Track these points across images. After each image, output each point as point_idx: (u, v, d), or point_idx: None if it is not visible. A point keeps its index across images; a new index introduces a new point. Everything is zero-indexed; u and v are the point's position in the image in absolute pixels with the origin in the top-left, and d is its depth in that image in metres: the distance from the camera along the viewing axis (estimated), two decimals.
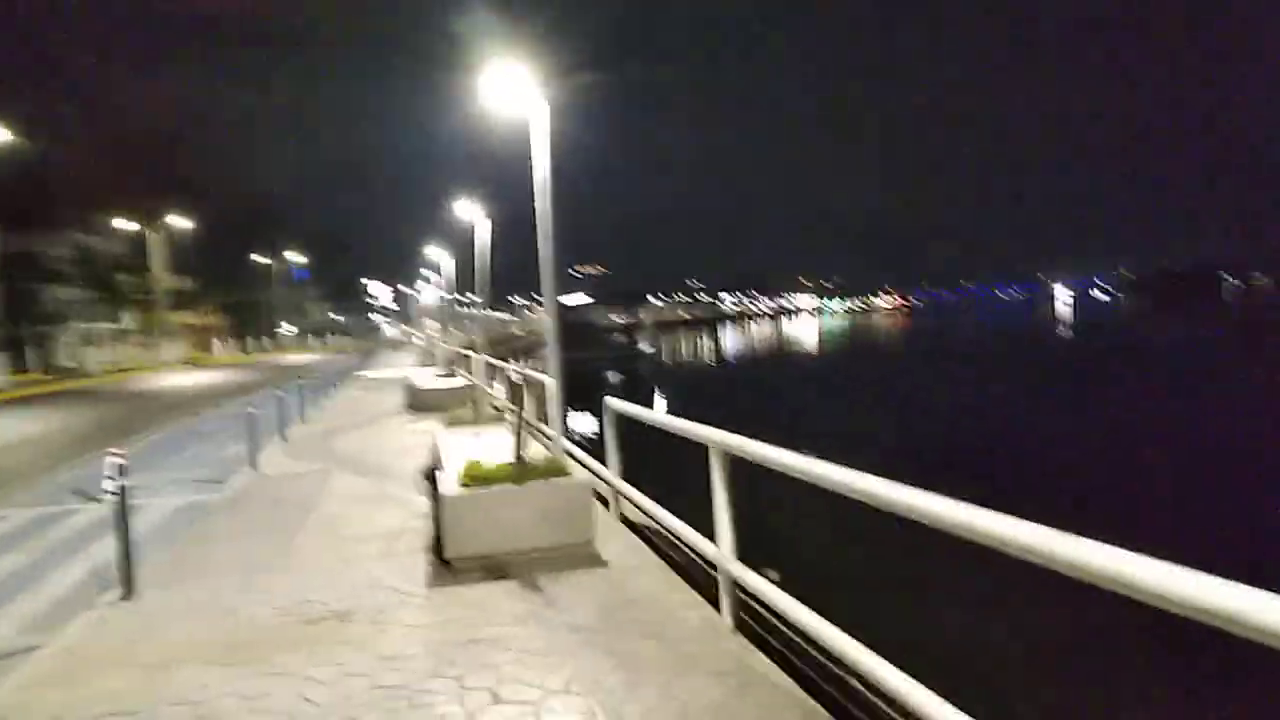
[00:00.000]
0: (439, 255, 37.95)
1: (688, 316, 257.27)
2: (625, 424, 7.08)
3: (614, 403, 6.99)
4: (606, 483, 7.31)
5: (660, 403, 41.46)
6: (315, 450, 12.58)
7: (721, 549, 4.52)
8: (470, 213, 18.46)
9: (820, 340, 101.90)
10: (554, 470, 6.31)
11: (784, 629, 4.31)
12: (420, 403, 17.43)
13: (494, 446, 7.70)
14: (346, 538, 7.03)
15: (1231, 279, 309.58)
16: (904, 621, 8.27)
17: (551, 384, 9.20)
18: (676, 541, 5.84)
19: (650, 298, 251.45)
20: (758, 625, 4.45)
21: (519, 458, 6.37)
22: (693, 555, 5.61)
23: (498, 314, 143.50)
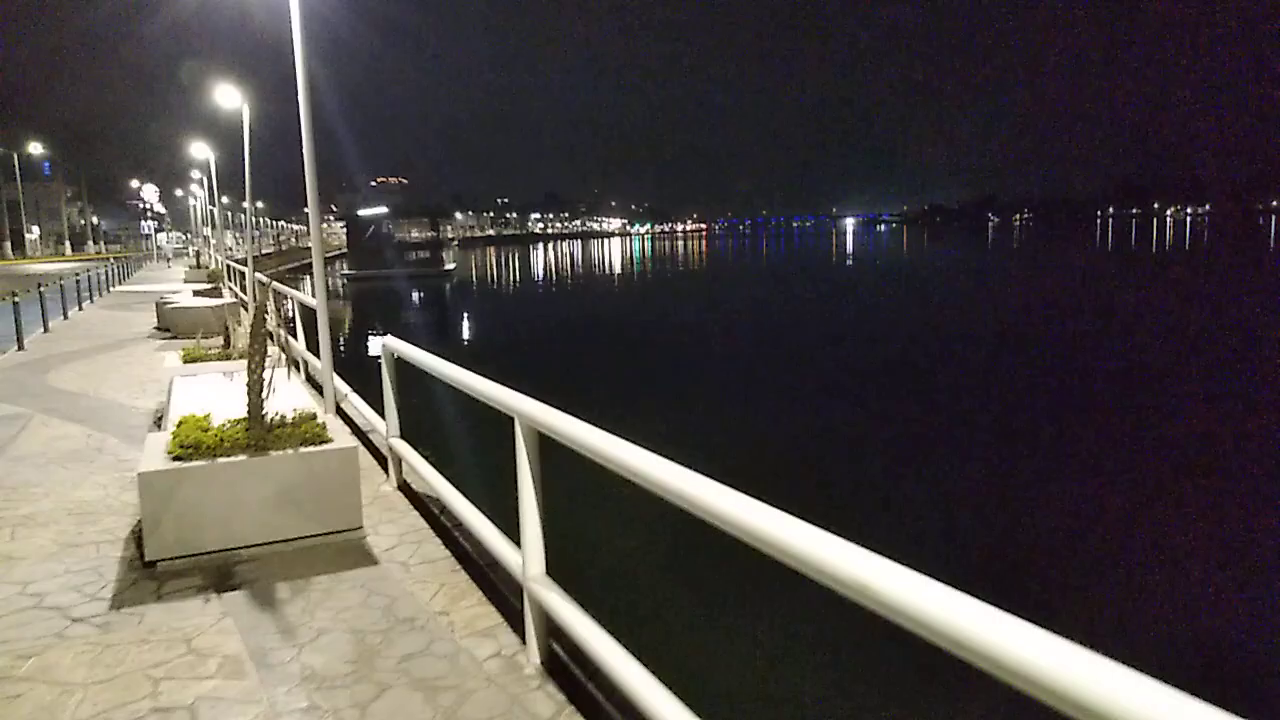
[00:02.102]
0: (223, 157, 33.68)
1: (493, 233, 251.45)
2: (410, 368, 5.63)
3: (393, 343, 5.50)
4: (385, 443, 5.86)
5: (466, 325, 39.51)
6: (22, 385, 10.11)
7: (528, 562, 3.28)
8: (239, 106, 15.67)
9: (627, 261, 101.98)
10: (309, 433, 4.79)
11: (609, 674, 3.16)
12: (174, 324, 14.85)
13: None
14: (12, 521, 5.17)
15: (994, 216, 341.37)
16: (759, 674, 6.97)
17: (318, 305, 7.54)
18: (471, 530, 4.54)
19: (458, 214, 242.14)
20: (576, 665, 3.28)
21: (259, 416, 4.78)
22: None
23: (293, 226, 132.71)
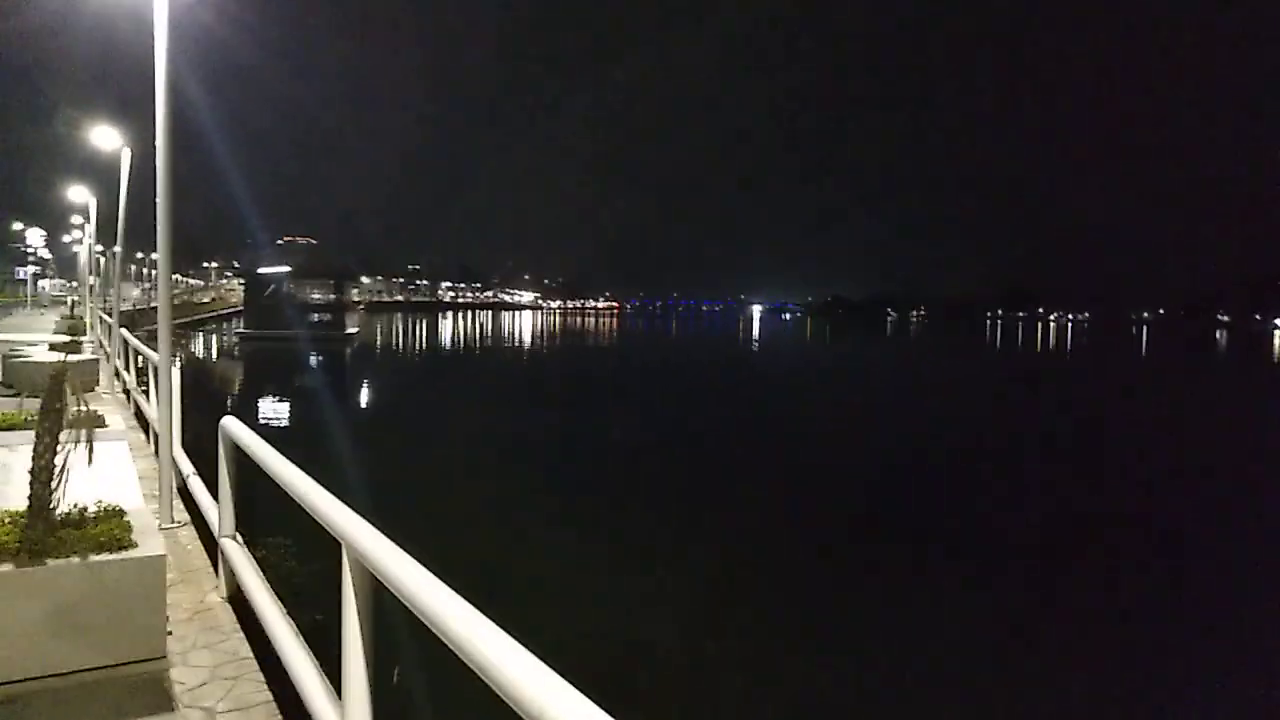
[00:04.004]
0: (107, 202, 31.85)
1: (402, 299, 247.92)
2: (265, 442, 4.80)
3: (231, 425, 4.66)
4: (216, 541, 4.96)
5: (365, 393, 37.97)
6: None
7: None
8: (119, 149, 14.61)
9: (537, 334, 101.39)
10: (108, 535, 3.89)
11: None
12: (19, 380, 13.31)
13: (76, 474, 5.04)
14: None
15: (891, 312, 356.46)
16: None
17: (163, 363, 6.63)
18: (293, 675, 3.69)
19: (365, 278, 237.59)
20: None
21: (44, 512, 3.87)
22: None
23: (190, 280, 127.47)
